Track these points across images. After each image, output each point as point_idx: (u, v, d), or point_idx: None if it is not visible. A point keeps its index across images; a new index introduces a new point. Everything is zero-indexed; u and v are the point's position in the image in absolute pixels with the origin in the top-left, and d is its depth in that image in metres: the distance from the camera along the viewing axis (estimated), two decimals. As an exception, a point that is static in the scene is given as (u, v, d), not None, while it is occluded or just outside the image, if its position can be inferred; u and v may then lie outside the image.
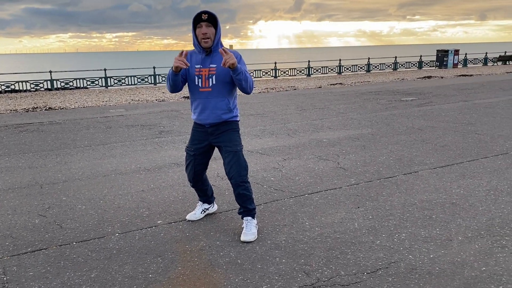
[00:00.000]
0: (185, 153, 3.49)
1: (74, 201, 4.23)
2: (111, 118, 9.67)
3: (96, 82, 18.51)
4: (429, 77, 19.61)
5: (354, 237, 3.29)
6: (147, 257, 3.03)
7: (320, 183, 4.57)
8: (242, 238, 3.27)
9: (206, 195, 3.69)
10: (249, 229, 3.31)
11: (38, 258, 3.06)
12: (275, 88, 16.48)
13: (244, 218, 3.37)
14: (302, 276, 2.74)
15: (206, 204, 3.76)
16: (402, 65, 26.15)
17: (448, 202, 3.97)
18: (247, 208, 3.33)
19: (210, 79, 3.13)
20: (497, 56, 29.78)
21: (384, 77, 20.71)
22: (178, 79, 3.15)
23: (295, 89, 16.08)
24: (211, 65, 3.12)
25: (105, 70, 18.43)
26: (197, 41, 3.12)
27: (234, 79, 3.05)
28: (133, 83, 19.15)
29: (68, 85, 18.15)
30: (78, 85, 18.26)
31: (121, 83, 18.90)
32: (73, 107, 12.00)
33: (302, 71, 23.34)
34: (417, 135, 6.90)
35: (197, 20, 3.04)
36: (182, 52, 3.03)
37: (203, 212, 3.75)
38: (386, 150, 5.95)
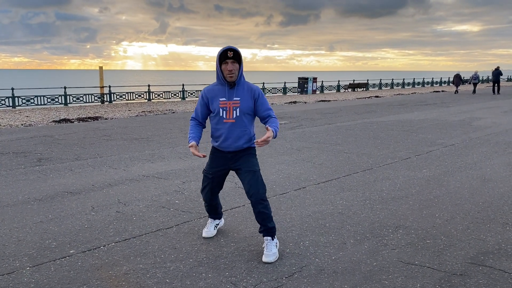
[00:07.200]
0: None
1: (-38, 238, 3.83)
2: (-27, 145, 8.64)
3: None
4: (294, 102, 21.48)
5: (266, 248, 3.66)
6: (71, 287, 2.96)
7: (224, 202, 4.87)
8: (264, 259, 3.39)
9: (217, 212, 3.89)
10: (269, 250, 3.44)
11: None
12: (153, 111, 16.39)
13: (264, 237, 3.50)
14: (231, 287, 2.99)
15: (217, 220, 3.96)
16: (269, 91, 28.14)
17: (336, 212, 4.61)
18: (266, 226, 3.48)
19: (235, 112, 3.34)
20: (347, 83, 33.94)
21: (255, 101, 22.03)
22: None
23: (173, 112, 16.21)
24: (235, 98, 3.34)
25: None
26: (222, 75, 3.29)
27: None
28: (-14, 105, 17.14)
29: None
30: None
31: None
32: None
33: (177, 94, 23.54)
34: (297, 155, 7.68)
35: (223, 57, 3.23)
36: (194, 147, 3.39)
37: (215, 227, 3.93)
38: (275, 169, 6.54)
